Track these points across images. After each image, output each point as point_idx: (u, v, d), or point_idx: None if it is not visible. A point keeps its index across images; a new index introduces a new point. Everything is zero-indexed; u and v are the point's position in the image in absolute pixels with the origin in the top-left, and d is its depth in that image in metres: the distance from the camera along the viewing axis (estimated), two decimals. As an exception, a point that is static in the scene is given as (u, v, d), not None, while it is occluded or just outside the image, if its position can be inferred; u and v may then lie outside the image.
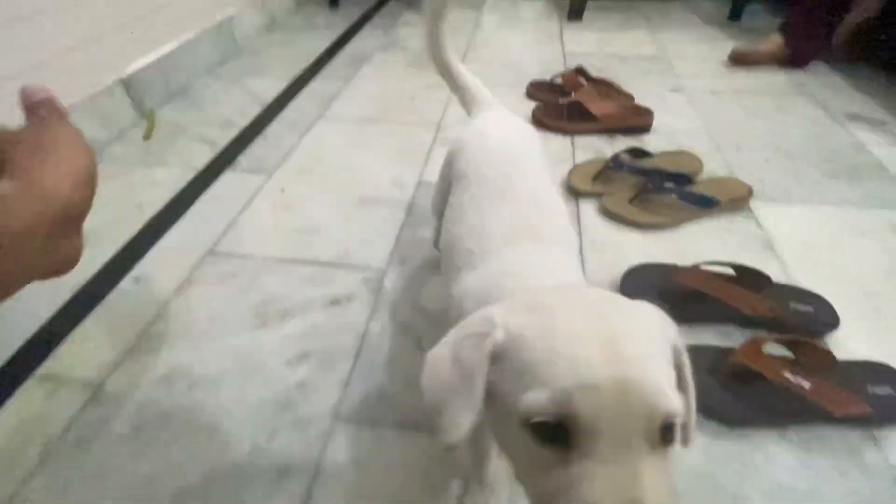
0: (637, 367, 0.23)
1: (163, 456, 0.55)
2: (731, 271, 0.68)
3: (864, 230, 0.81)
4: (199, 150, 1.07)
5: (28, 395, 0.61)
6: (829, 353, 0.56)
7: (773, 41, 1.31)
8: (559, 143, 1.06)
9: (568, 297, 0.28)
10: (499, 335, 0.26)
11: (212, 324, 0.69)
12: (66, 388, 0.62)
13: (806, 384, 0.52)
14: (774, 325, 0.62)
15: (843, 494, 0.50)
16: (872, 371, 0.57)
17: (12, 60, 0.90)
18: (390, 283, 0.74)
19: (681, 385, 0.28)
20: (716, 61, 1.39)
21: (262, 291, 0.74)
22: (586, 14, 1.72)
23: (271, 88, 1.32)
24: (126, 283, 0.77)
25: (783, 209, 0.86)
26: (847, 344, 0.63)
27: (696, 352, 0.59)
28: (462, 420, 0.26)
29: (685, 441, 0.29)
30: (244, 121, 1.18)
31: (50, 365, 0.64)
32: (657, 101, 1.18)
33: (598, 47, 1.49)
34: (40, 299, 0.72)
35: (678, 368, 0.27)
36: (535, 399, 0.23)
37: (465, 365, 0.26)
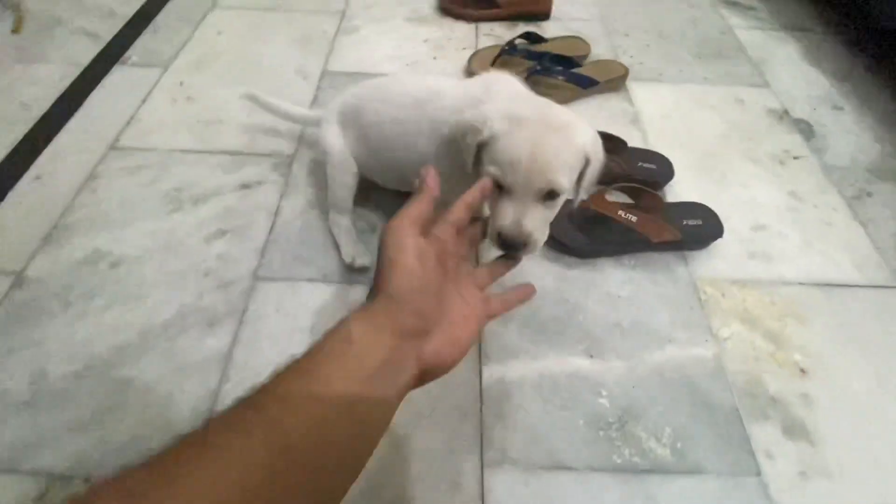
0: (542, 166, 0.42)
1: (96, 322, 0.61)
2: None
3: (713, 104, 0.95)
4: (81, 44, 0.99)
5: (-55, 286, 0.64)
6: (657, 196, 0.70)
7: None
8: (464, 30, 1.09)
9: (533, 115, 0.44)
10: (486, 133, 0.45)
11: (126, 211, 0.72)
12: (-15, 277, 0.64)
13: (634, 218, 0.67)
14: (625, 180, 0.75)
15: (653, 297, 0.67)
16: (690, 209, 0.73)
17: None
18: (298, 167, 0.79)
19: (587, 165, 0.47)
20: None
21: (173, 180, 0.77)
22: None
23: (155, -27, 1.19)
24: (26, 182, 0.76)
25: (654, 88, 0.97)
26: (683, 193, 0.79)
27: None
28: (468, 160, 0.48)
29: (576, 202, 0.52)
30: (128, 10, 1.08)
31: (-38, 260, 0.66)
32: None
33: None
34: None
35: (587, 163, 0.47)
36: (492, 170, 0.44)
37: (466, 142, 0.47)
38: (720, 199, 0.77)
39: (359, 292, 0.65)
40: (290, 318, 0.62)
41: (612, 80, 0.94)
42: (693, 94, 0.97)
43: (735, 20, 1.16)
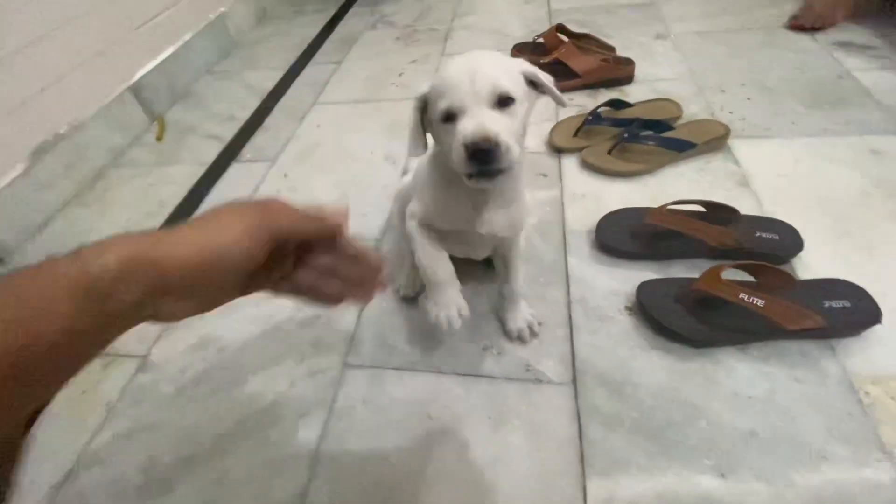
0: (482, 75, 0.44)
1: (202, 408, 0.65)
2: (701, 208, 0.72)
3: (841, 157, 0.83)
4: (207, 146, 1.15)
5: (87, 369, 0.72)
6: (786, 274, 0.60)
7: None
8: (542, 102, 1.09)
9: (456, 58, 0.47)
10: (424, 89, 0.49)
11: (233, 298, 0.78)
12: (118, 362, 0.72)
13: (761, 302, 0.57)
14: (741, 255, 0.66)
15: (796, 399, 0.55)
16: (831, 287, 0.61)
17: (32, 80, 0.99)
18: (387, 248, 0.81)
19: (538, 87, 0.50)
20: (704, 3, 1.36)
21: (274, 266, 0.82)
22: (573, -33, 1.69)
23: (267, 80, 1.38)
24: (157, 270, 0.86)
25: (762, 145, 0.88)
26: (815, 266, 0.67)
27: (664, 284, 0.65)
28: (411, 135, 0.53)
29: (560, 103, 0.53)
30: (245, 114, 1.25)
31: (102, 343, 0.75)
32: (641, 50, 1.18)
33: (584, 1, 1.48)
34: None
35: (532, 82, 0.49)
36: (440, 106, 0.46)
37: (412, 116, 0.51)
38: (868, 274, 0.64)
39: (446, 382, 0.62)
40: (378, 411, 0.61)
41: (711, 140, 0.86)
42: (813, 147, 0.85)
43: (852, 62, 1.04)
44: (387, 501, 0.53)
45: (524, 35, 1.33)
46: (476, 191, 0.51)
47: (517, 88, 0.46)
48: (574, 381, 0.60)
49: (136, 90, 1.22)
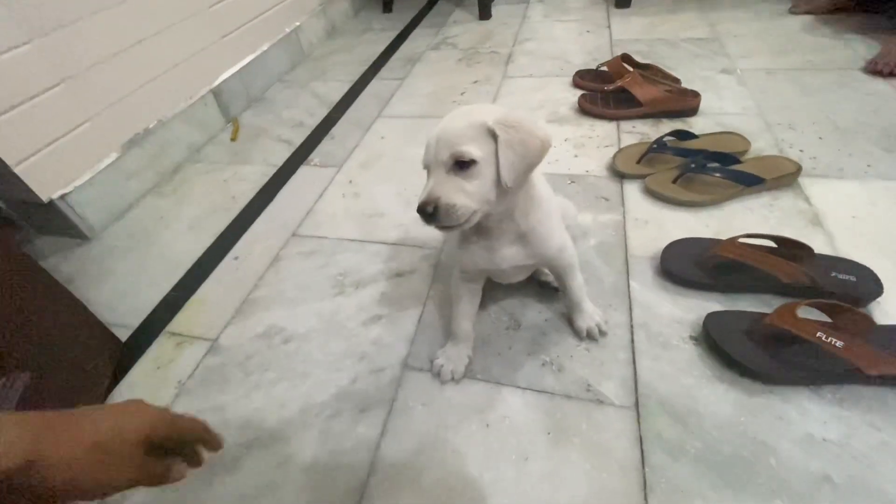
0: (445, 139, 0.48)
1: (268, 394, 0.68)
2: (771, 244, 0.71)
3: (922, 203, 0.80)
4: (277, 149, 1.22)
5: (161, 347, 0.77)
6: (866, 317, 0.58)
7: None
8: (605, 128, 1.10)
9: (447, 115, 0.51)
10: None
11: (299, 292, 0.82)
12: (189, 343, 0.77)
13: (839, 343, 0.55)
14: (814, 293, 0.65)
15: (874, 446, 0.53)
16: (914, 335, 0.59)
17: (130, 78, 1.08)
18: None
19: (494, 137, 0.48)
20: (771, 40, 1.36)
21: (339, 266, 0.86)
22: (635, 0, 1.72)
23: (335, 91, 1.46)
24: (227, 260, 0.92)
25: (834, 185, 0.86)
26: (894, 313, 0.65)
27: (733, 316, 0.64)
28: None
29: (506, 182, 0.49)
30: (313, 121, 1.32)
31: (174, 326, 0.80)
32: (706, 83, 1.19)
33: (646, 33, 1.50)
34: (161, 275, 0.89)
35: (494, 136, 0.48)
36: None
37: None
38: (955, 325, 0.62)
39: (505, 393, 0.63)
40: (436, 414, 0.62)
41: (780, 177, 0.85)
42: (891, 191, 0.83)
43: (934, 108, 1.01)
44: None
45: (584, 62, 1.36)
46: (481, 233, 0.57)
47: (479, 149, 0.47)
48: (636, 405, 0.60)
49: (216, 93, 1.31)
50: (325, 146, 1.21)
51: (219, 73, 1.34)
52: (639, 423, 0.58)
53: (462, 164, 0.47)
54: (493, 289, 0.77)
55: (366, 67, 1.58)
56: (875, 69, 1.13)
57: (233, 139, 1.30)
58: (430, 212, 0.47)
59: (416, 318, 0.74)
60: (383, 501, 0.55)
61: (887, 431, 0.54)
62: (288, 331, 0.76)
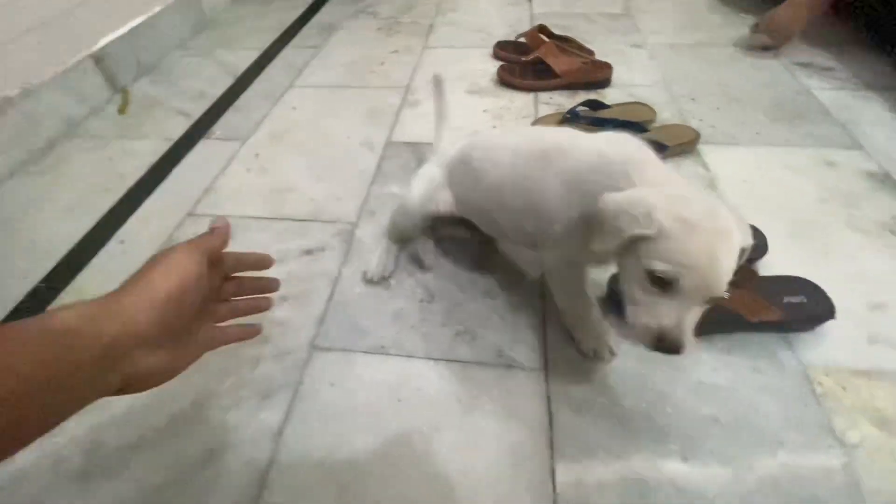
0: (718, 277, 0.42)
1: (156, 389, 0.60)
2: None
3: (801, 167, 0.87)
4: (175, 123, 1.10)
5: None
6: (751, 270, 0.62)
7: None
8: (523, 99, 1.10)
9: (702, 220, 0.42)
10: (652, 230, 0.42)
11: (195, 276, 0.74)
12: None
13: (726, 295, 0.59)
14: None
15: (756, 389, 0.57)
16: (791, 284, 0.64)
17: (-19, 36, 0.92)
18: (362, 233, 0.79)
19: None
20: (678, 17, 1.42)
21: (241, 245, 0.76)
22: (555, -25, 1.73)
23: (243, 60, 1.34)
24: (112, 245, 0.81)
25: (729, 151, 0.92)
26: (775, 265, 0.70)
27: None
28: (602, 247, 0.46)
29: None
30: (217, 92, 1.20)
31: (46, 319, 0.69)
32: (619, 57, 1.22)
33: (566, 7, 1.51)
34: (32, 264, 0.77)
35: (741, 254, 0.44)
36: (666, 269, 0.42)
37: (617, 226, 0.44)
38: (824, 274, 0.68)
39: (417, 366, 0.61)
40: (345, 393, 0.59)
41: (682, 144, 0.90)
42: (776, 157, 0.90)
43: (812, 81, 1.10)
44: (351, 484, 0.51)
45: (505, 34, 1.35)
46: None
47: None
48: (546, 366, 0.60)
49: (98, 59, 1.15)
50: (230, 118, 1.11)
51: (100, 36, 1.17)
52: (547, 383, 0.58)
53: (712, 300, 0.43)
54: (409, 263, 0.74)
55: (278, 35, 1.46)
56: (755, 33, 1.21)
57: (121, 112, 1.15)
58: (675, 349, 0.44)
59: (327, 296, 0.70)
60: (286, 489, 0.51)
61: (768, 374, 0.58)
62: (182, 318, 0.68)
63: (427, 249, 0.76)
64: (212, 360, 0.62)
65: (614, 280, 0.67)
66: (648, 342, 0.44)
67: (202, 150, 1.01)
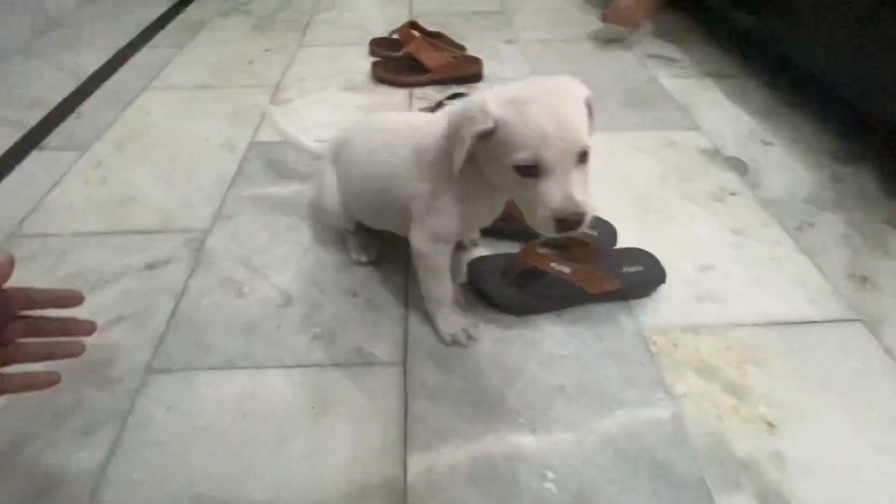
0: (570, 130, 0.42)
1: (-53, 442, 0.51)
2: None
3: (646, 148, 0.95)
4: (1, 134, 0.96)
5: None
6: (590, 245, 0.66)
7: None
8: (398, 95, 1.10)
9: (532, 90, 0.44)
10: (489, 122, 0.43)
11: (8, 306, 0.64)
12: None
13: (568, 270, 0.62)
14: (560, 243, 0.70)
15: (599, 353, 0.60)
16: (629, 255, 0.69)
17: None
18: (214, 240, 0.74)
19: (590, 115, 0.47)
20: (549, 15, 1.50)
21: (72, 266, 0.70)
22: (436, -26, 1.75)
23: (90, 62, 1.20)
24: None
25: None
26: (625, 238, 0.75)
27: (491, 260, 0.68)
28: (458, 159, 0.46)
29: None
30: (57, 98, 1.07)
31: None
32: (492, 52, 1.26)
33: (444, 6, 1.54)
34: None
35: (589, 108, 0.47)
36: (522, 155, 0.42)
37: (461, 135, 0.45)
38: (663, 242, 0.74)
39: (268, 377, 0.57)
40: (183, 417, 0.53)
41: (543, 132, 0.94)
42: (625, 140, 0.97)
43: (659, 71, 1.21)
44: (185, 515, 0.46)
45: (383, 31, 1.34)
46: (489, 191, 0.53)
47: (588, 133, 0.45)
48: (405, 359, 0.59)
49: None
50: (70, 126, 0.99)
51: None
52: (405, 376, 0.57)
53: (583, 156, 0.44)
54: (265, 266, 0.70)
55: (135, 35, 1.33)
56: (604, 19, 1.31)
57: (-72, 124, 0.98)
58: (580, 221, 0.43)
59: (169, 313, 0.64)
60: (105, 534, 0.45)
61: (609, 339, 0.62)
62: None
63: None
64: (28, 398, 0.55)
65: (472, 266, 0.68)
66: (553, 230, 0.44)
67: (32, 164, 0.89)
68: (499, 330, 0.63)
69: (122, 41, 1.30)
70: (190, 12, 1.48)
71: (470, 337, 0.61)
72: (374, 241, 0.70)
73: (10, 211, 0.79)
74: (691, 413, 0.55)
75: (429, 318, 0.63)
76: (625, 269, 0.67)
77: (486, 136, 0.44)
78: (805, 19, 0.99)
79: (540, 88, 0.44)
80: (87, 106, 1.05)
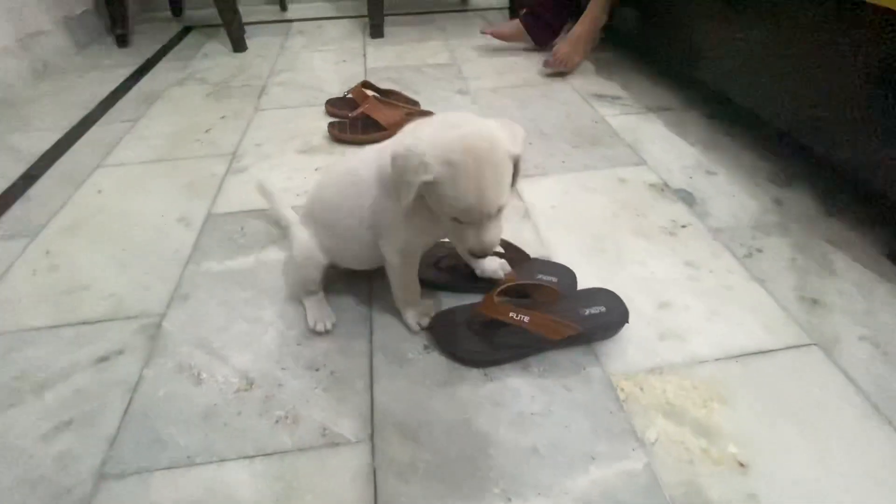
0: (489, 199, 0.52)
1: None
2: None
3: (597, 187, 0.99)
4: (-61, 227, 0.92)
5: None
6: (550, 289, 0.67)
7: (516, 25, 1.58)
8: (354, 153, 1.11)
9: (461, 152, 0.50)
10: (429, 177, 0.51)
11: (-57, 420, 0.60)
12: None
13: (526, 319, 0.62)
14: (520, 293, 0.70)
15: (569, 406, 0.60)
16: (590, 296, 0.70)
17: None
18: (170, 324, 0.71)
19: (516, 169, 0.56)
20: (497, 64, 1.57)
21: (16, 366, 0.66)
22: (389, 30, 1.83)
23: (40, 142, 1.19)
24: None
25: (539, 182, 1.01)
26: (582, 279, 0.76)
27: (456, 312, 0.68)
28: (405, 200, 0.53)
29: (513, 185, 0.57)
30: (3, 184, 1.04)
31: None
32: (445, 103, 1.30)
33: (397, 60, 1.60)
34: None
35: (515, 163, 0.55)
36: (450, 212, 0.53)
37: (407, 179, 0.52)
38: (620, 281, 0.76)
39: (229, 471, 0.54)
40: (136, 527, 0.50)
41: (498, 180, 0.96)
42: (577, 180, 1.01)
43: (605, 110, 1.27)
44: None
45: (339, 91, 1.37)
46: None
47: (509, 189, 0.54)
48: (372, 436, 0.58)
49: None
50: (17, 212, 0.96)
51: None
52: (373, 454, 0.56)
53: (499, 210, 0.54)
54: (224, 346, 0.68)
55: (87, 111, 1.33)
56: (546, 65, 1.45)
57: None
58: (487, 254, 0.56)
59: (122, 410, 0.60)
60: None
61: (577, 391, 0.62)
62: (-81, 481, 0.54)
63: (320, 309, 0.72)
64: None
65: (437, 320, 0.68)
66: (470, 259, 0.66)
67: (-26, 256, 0.86)
68: (468, 392, 0.62)
69: (74, 118, 1.29)
70: (143, 85, 1.49)
71: (431, 318, 0.69)
72: (331, 312, 0.72)
73: (-51, 311, 0.75)
74: (663, 460, 0.55)
75: (394, 386, 0.62)
76: (587, 312, 0.67)
77: (427, 182, 0.51)
78: (730, 54, 1.07)
79: (470, 154, 0.50)
80: (36, 189, 1.02)
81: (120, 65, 1.62)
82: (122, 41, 1.76)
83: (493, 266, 0.75)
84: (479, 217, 0.52)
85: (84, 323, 0.72)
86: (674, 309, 0.73)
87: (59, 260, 0.84)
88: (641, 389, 0.62)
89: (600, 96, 1.34)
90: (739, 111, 1.15)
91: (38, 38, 1.56)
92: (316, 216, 0.70)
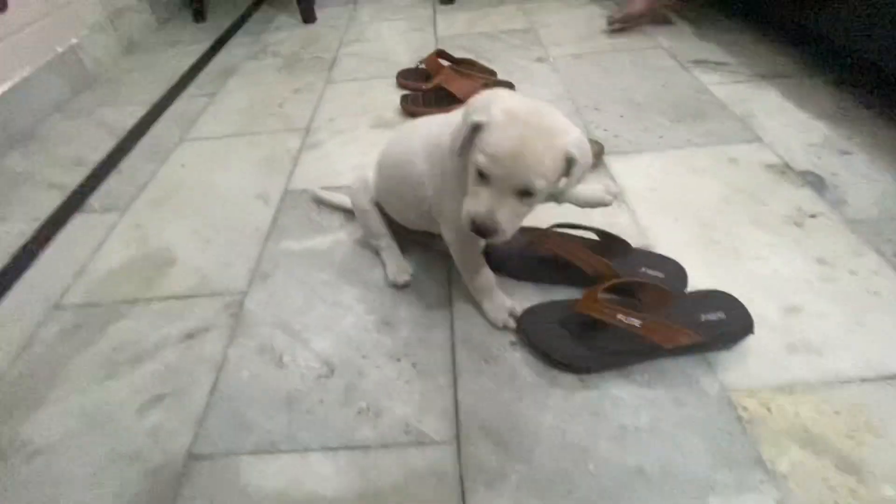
0: (522, 167, 0.48)
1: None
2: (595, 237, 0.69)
3: (704, 167, 0.86)
4: (45, 197, 0.98)
5: None
6: (664, 291, 0.59)
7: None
8: (429, 129, 1.05)
9: (526, 113, 0.48)
10: (484, 117, 0.49)
11: (52, 385, 0.63)
12: None
13: (637, 322, 0.55)
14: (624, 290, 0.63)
15: (677, 424, 0.53)
16: (706, 300, 0.61)
17: None
18: (252, 303, 0.71)
19: (569, 172, 0.51)
20: (579, 27, 1.43)
21: (112, 339, 0.69)
22: (459, -4, 1.72)
23: (129, 117, 1.23)
24: (-43, 359, 0.69)
25: (634, 160, 0.90)
26: (692, 276, 0.67)
27: (547, 309, 0.62)
28: (455, 138, 0.52)
29: (560, 198, 0.63)
30: (97, 157, 1.09)
31: None
32: (522, 73, 1.20)
33: (469, 28, 1.50)
34: None
35: (570, 164, 0.50)
36: (480, 159, 0.49)
37: (467, 118, 0.50)
38: (736, 280, 0.66)
39: (313, 462, 0.53)
40: (226, 510, 0.50)
41: (587, 159, 0.87)
42: (679, 159, 0.89)
43: (707, 77, 1.12)
44: None
45: (410, 61, 1.31)
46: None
47: (549, 180, 0.49)
48: (457, 437, 0.54)
49: (-52, 137, 1.02)
50: (111, 185, 1.00)
51: (-51, 111, 1.04)
52: (459, 458, 0.52)
53: (527, 192, 0.49)
54: (304, 329, 0.67)
55: (170, 86, 1.36)
56: (611, 22, 1.34)
57: (-18, 193, 1.02)
58: (486, 230, 0.50)
59: (209, 389, 0.61)
60: None
61: (690, 405, 0.54)
62: (34, 443, 0.58)
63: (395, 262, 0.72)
64: (62, 496, 0.53)
65: (526, 317, 0.63)
66: (467, 225, 0.51)
67: (75, 227, 0.90)
68: (562, 399, 0.56)
69: (158, 93, 1.33)
70: (221, 58, 1.50)
71: (516, 317, 0.63)
72: (407, 265, 0.72)
73: (53, 280, 0.79)
74: (800, 498, 0.46)
75: (480, 385, 0.57)
76: (704, 318, 0.59)
77: (478, 129, 0.49)
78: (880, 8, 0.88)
79: (532, 120, 0.48)
80: (126, 163, 1.06)
81: (197, 39, 1.65)
82: (200, 16, 1.79)
83: (597, 192, 0.65)
84: (501, 173, 0.48)
85: (172, 297, 0.73)
86: (805, 316, 0.62)
87: (148, 233, 0.86)
88: (769, 410, 0.53)
89: (702, 62, 1.18)
90: (879, 75, 0.96)
91: (125, 14, 1.62)
92: (382, 169, 0.70)
